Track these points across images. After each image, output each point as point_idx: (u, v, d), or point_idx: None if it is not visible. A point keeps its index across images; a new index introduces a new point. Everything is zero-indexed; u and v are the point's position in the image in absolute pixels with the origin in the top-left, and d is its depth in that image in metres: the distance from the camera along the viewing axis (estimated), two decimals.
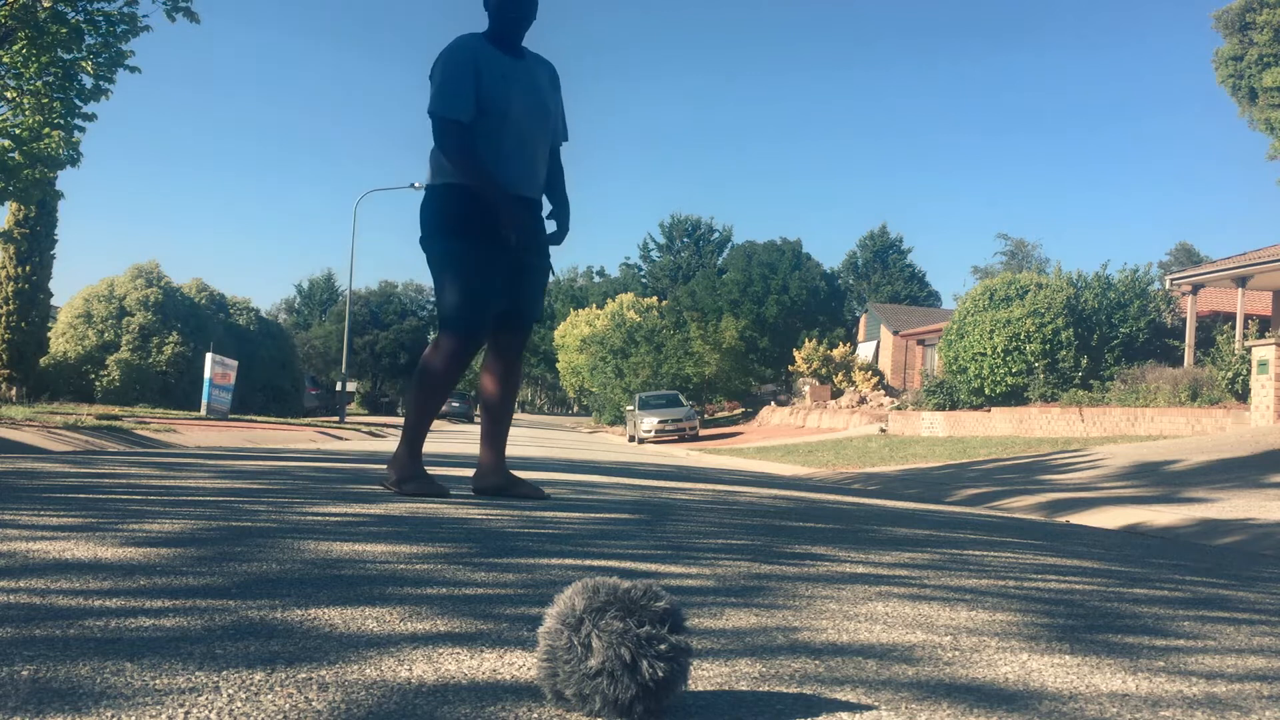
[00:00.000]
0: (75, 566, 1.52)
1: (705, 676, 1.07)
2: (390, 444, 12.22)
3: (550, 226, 3.44)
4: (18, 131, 11.14)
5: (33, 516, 2.20)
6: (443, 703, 0.91)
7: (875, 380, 31.70)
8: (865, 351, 36.27)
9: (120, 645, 1.05)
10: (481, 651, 1.12)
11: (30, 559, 1.58)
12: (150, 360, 29.47)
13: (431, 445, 11.76)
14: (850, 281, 54.69)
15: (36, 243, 25.26)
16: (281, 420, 21.09)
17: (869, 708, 0.98)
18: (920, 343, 32.74)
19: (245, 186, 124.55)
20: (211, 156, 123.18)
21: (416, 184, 30.12)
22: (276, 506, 2.84)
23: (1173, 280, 21.06)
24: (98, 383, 28.51)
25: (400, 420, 36.67)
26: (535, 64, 3.40)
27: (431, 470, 3.52)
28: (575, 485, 4.60)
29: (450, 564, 1.81)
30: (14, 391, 23.47)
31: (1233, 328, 18.08)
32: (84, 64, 11.55)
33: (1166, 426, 14.48)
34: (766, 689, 1.03)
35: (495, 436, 3.47)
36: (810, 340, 35.20)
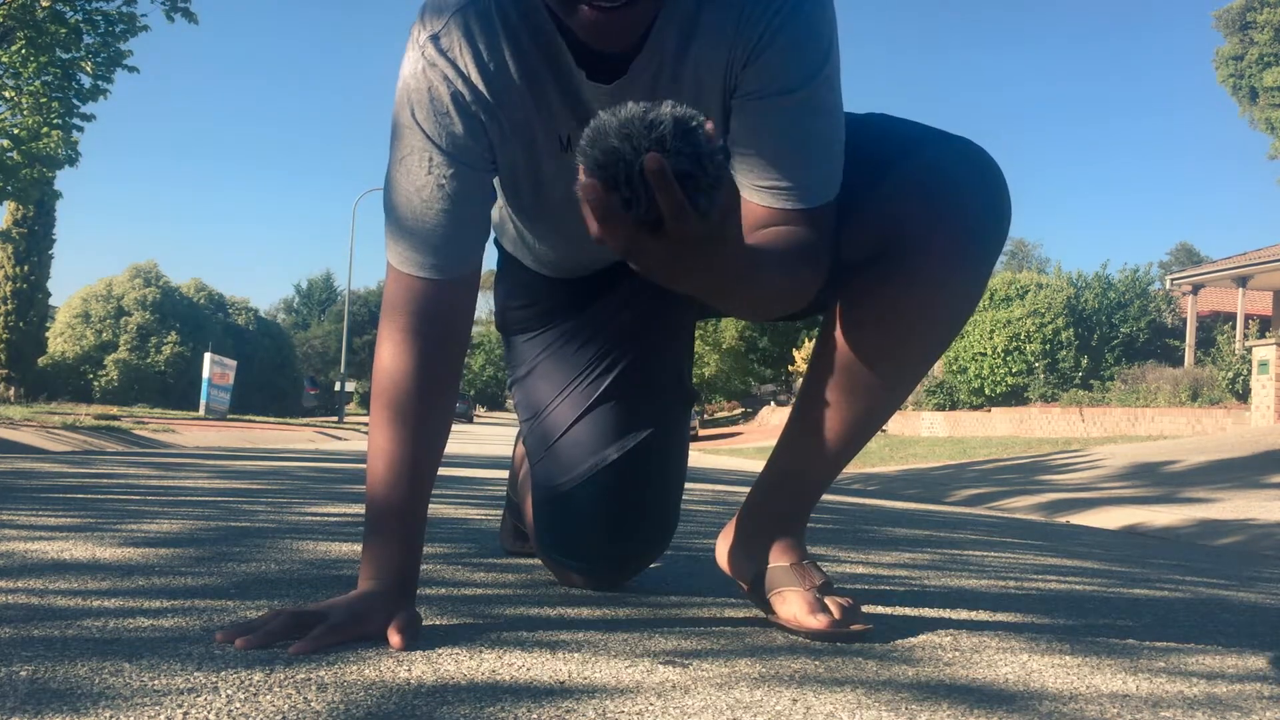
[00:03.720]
0: (73, 567, 1.52)
1: (705, 677, 1.06)
2: None
3: None
4: (16, 131, 11.15)
5: (31, 517, 2.20)
6: (442, 703, 0.91)
7: None
8: None
9: (119, 646, 1.04)
10: (481, 652, 1.12)
11: (28, 559, 1.58)
12: (149, 360, 29.48)
13: None
14: None
15: (35, 242, 25.28)
16: (280, 420, 21.10)
17: (869, 707, 0.98)
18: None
19: (244, 186, 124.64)
20: (210, 156, 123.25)
21: None
22: (275, 506, 2.84)
23: (1173, 280, 21.07)
24: (96, 383, 28.52)
25: None
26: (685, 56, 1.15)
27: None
28: None
29: (450, 564, 1.80)
30: (12, 391, 23.47)
31: (1233, 328, 18.08)
32: (83, 64, 11.55)
33: (1167, 427, 14.48)
34: (766, 689, 1.03)
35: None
36: (810, 340, 35.21)
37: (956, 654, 1.25)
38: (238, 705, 0.87)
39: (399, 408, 1.21)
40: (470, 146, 1.18)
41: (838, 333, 1.29)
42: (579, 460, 1.44)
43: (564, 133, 1.20)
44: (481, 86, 1.15)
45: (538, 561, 1.87)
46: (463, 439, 16.16)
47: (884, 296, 1.24)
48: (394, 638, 1.10)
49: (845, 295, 1.28)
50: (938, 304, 1.24)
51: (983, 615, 1.57)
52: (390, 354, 1.21)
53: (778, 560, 1.36)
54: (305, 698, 0.90)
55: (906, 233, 1.20)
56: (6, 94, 11.17)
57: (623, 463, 1.43)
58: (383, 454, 1.21)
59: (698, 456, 17.02)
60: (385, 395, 1.22)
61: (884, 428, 18.59)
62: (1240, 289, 19.09)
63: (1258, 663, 1.34)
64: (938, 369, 21.04)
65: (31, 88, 11.20)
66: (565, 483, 1.45)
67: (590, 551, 1.48)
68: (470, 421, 43.90)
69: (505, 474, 5.30)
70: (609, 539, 1.45)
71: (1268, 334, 16.69)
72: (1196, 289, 19.89)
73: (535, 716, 0.90)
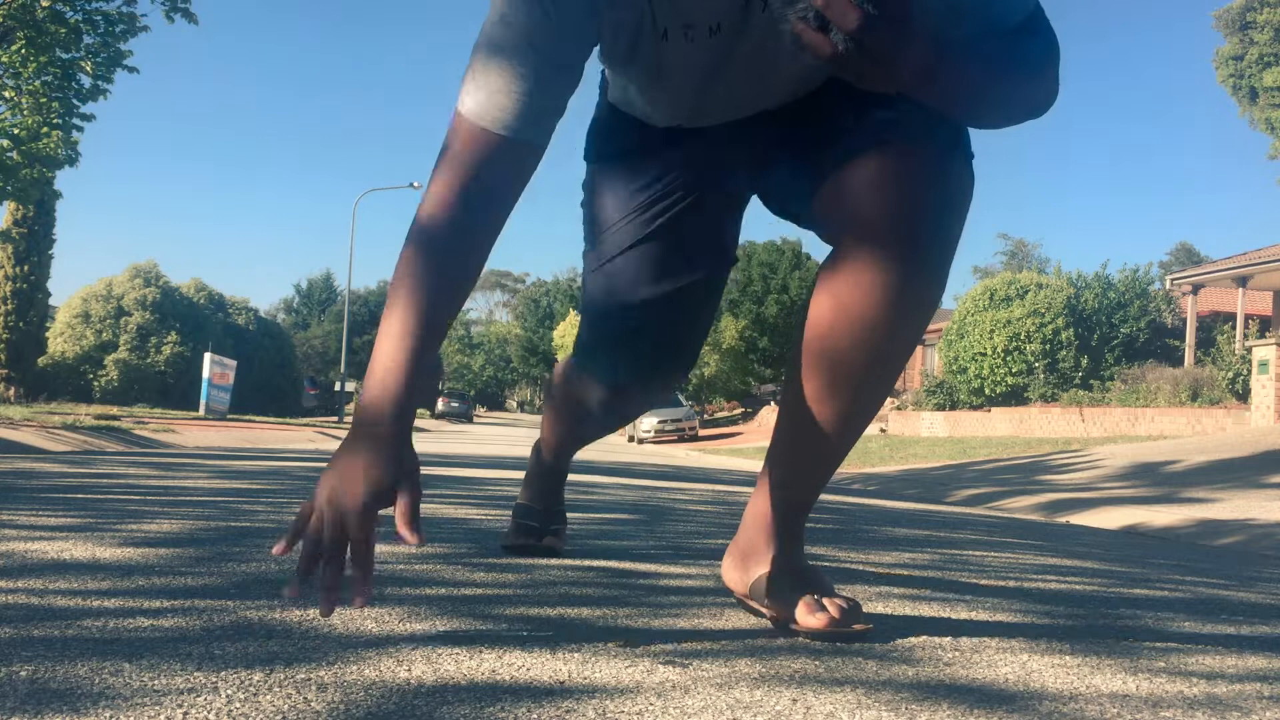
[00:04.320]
0: (73, 567, 1.52)
1: (705, 677, 1.06)
2: None
3: None
4: (16, 131, 11.14)
5: (31, 517, 2.20)
6: (442, 703, 0.91)
7: None
8: None
9: (118, 646, 1.04)
10: (481, 652, 1.12)
11: (28, 559, 1.58)
12: (149, 360, 29.47)
13: (429, 445, 11.74)
14: None
15: (35, 242, 25.29)
16: (280, 420, 21.08)
17: (869, 707, 0.98)
18: (920, 343, 32.70)
19: (244, 186, 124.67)
20: (210, 156, 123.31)
21: (415, 184, 30.04)
22: (275, 507, 2.84)
23: (1173, 280, 21.05)
24: (96, 383, 28.50)
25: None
26: None
27: (430, 472, 3.45)
28: (573, 485, 4.59)
29: (449, 564, 1.80)
30: (12, 391, 23.47)
31: (1233, 328, 18.08)
32: (82, 64, 11.54)
33: (1167, 427, 14.48)
34: (766, 689, 1.03)
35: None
36: None
37: (956, 654, 1.25)
38: (238, 705, 0.87)
39: (435, 238, 1.20)
40: (573, 19, 1.20)
41: (809, 328, 1.27)
42: (619, 287, 1.55)
43: (671, 17, 1.24)
44: None
45: (538, 561, 1.87)
46: (463, 439, 16.14)
47: (844, 284, 1.22)
48: (401, 527, 1.10)
49: (816, 287, 1.27)
50: (896, 290, 1.20)
51: (983, 615, 1.57)
52: (438, 191, 1.20)
53: (776, 564, 1.35)
54: (305, 698, 0.90)
55: (865, 215, 1.20)
56: (6, 94, 11.17)
57: (657, 301, 1.54)
58: (409, 274, 1.18)
59: (698, 456, 17.00)
60: (423, 227, 1.20)
61: (883, 427, 18.36)
62: (1240, 289, 19.08)
63: (1258, 663, 1.34)
64: (938, 369, 21.04)
65: (31, 88, 11.20)
66: (604, 299, 1.58)
67: (613, 364, 1.68)
68: (470, 421, 43.89)
69: (505, 474, 5.30)
70: (634, 356, 1.64)
71: (1268, 334, 16.68)
72: (1196, 289, 19.88)
73: (535, 716, 0.90)
